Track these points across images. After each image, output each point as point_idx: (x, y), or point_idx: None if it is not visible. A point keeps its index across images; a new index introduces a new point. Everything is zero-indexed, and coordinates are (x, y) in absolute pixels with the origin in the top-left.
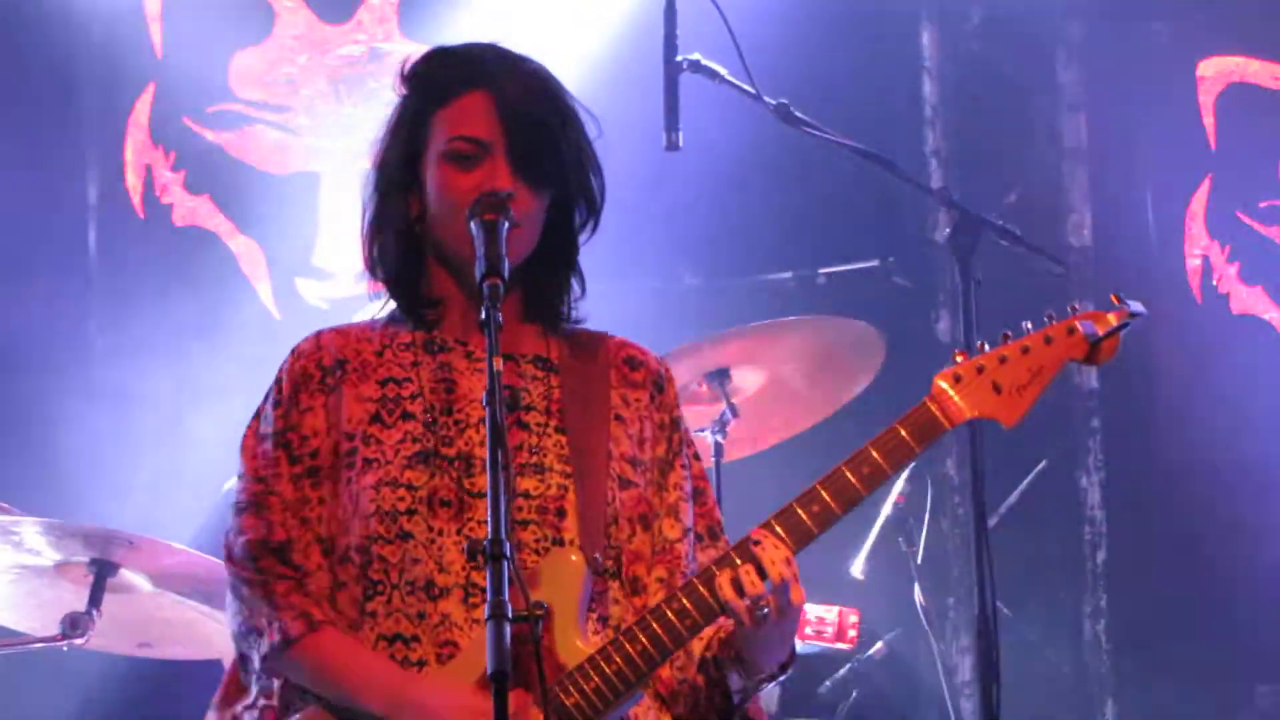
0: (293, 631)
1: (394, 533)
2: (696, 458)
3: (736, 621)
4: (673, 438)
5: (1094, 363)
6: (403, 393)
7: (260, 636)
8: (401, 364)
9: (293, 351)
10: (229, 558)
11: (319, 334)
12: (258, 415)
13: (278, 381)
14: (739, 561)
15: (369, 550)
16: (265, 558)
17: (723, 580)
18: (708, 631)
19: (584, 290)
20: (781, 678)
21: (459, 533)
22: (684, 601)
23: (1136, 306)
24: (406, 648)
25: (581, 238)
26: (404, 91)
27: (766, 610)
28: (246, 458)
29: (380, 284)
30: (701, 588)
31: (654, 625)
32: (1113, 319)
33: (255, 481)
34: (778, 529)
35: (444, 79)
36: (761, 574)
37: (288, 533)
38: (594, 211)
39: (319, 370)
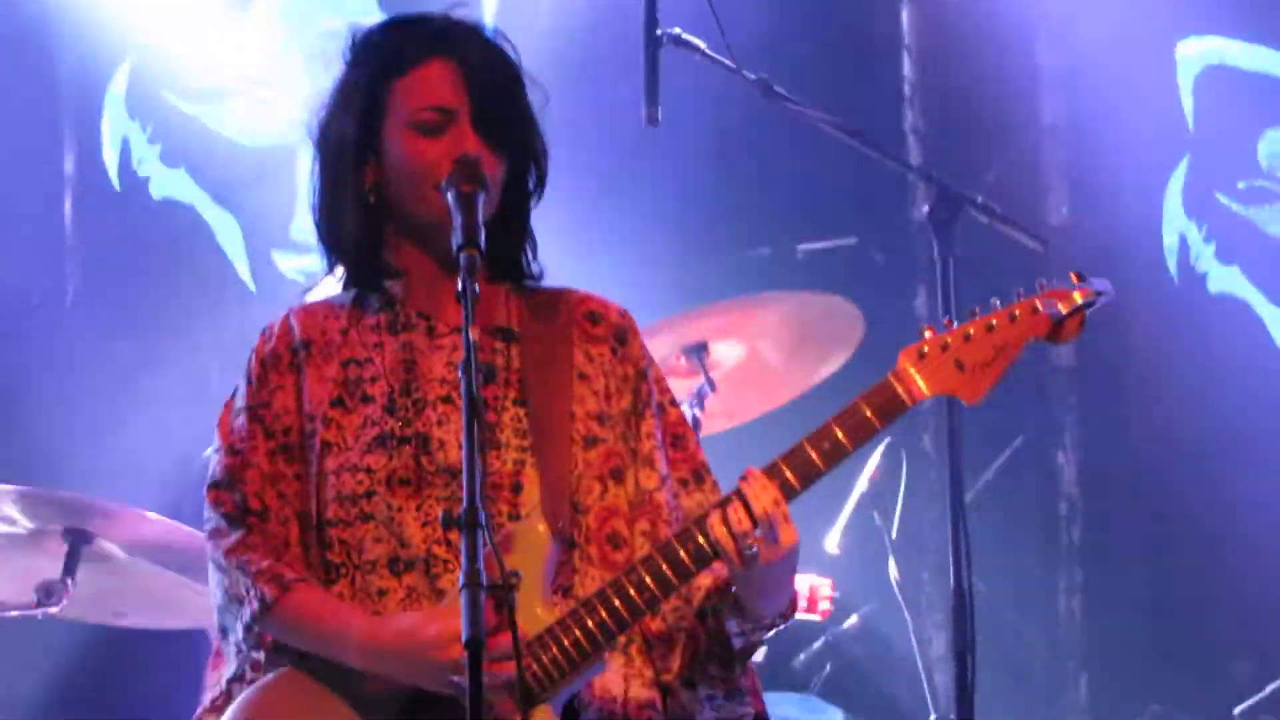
0: (269, 595)
1: (354, 515)
2: (674, 404)
3: (728, 563)
4: (640, 388)
5: (1057, 340)
6: (364, 374)
7: (242, 605)
8: (365, 344)
9: (263, 332)
10: (208, 532)
11: (288, 314)
12: (234, 394)
13: (249, 359)
14: (729, 500)
15: (328, 533)
16: (241, 527)
17: (714, 519)
18: (704, 580)
19: (536, 252)
20: (781, 626)
21: (418, 509)
22: (642, 574)
23: (1100, 284)
24: None
25: (533, 201)
26: (355, 62)
27: (755, 550)
28: (223, 433)
29: (335, 256)
30: (660, 558)
31: (614, 599)
32: (1077, 297)
33: (231, 454)
34: None
35: (402, 48)
36: (750, 513)
37: (263, 502)
38: (542, 174)
39: (288, 351)
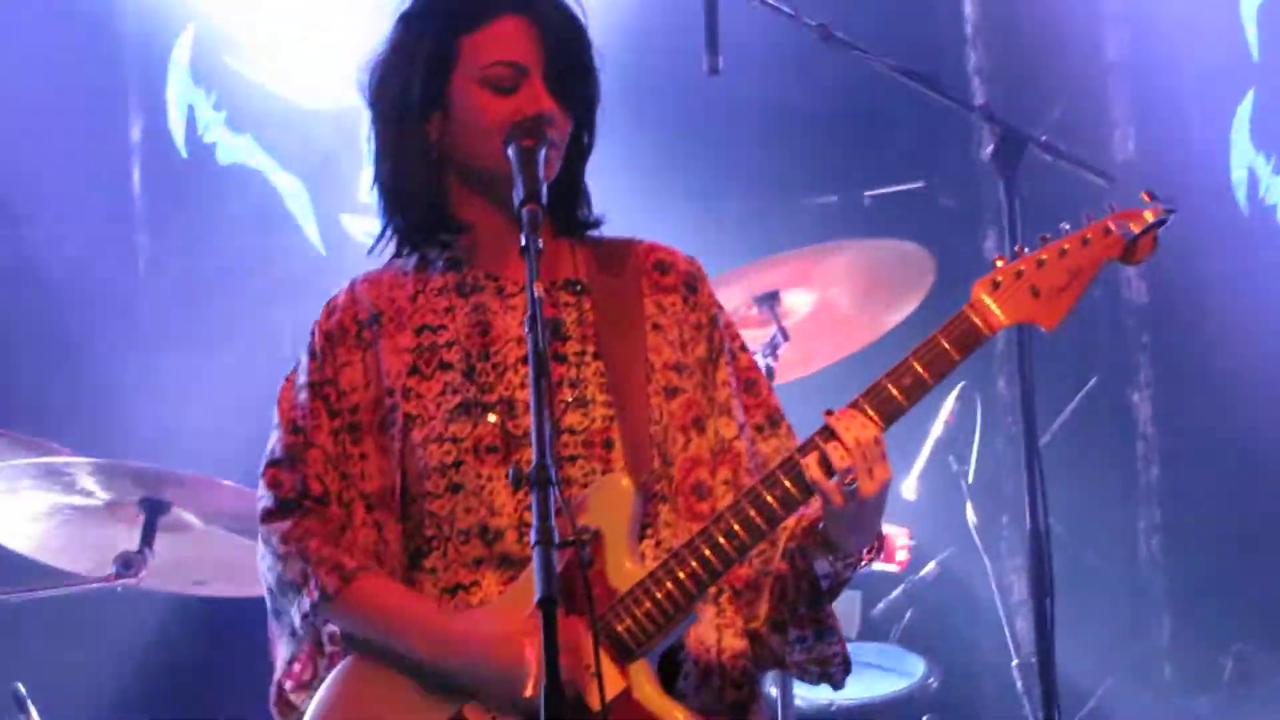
0: (330, 587)
1: (443, 487)
2: (744, 349)
3: (825, 502)
4: (712, 335)
5: (1131, 261)
6: (438, 340)
7: (298, 594)
8: (435, 310)
9: (327, 305)
10: (261, 512)
11: (352, 285)
12: (295, 369)
13: (312, 334)
14: (822, 441)
15: (421, 507)
16: (297, 510)
17: (810, 461)
18: (789, 521)
19: (590, 204)
20: (869, 561)
21: (519, 488)
22: (730, 523)
23: (1169, 204)
24: (468, 594)
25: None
26: (421, 16)
27: (854, 485)
28: (283, 409)
29: (398, 209)
30: (748, 505)
31: (703, 549)
32: (1149, 216)
33: (292, 433)
34: None
35: (473, 2)
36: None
37: (324, 485)
38: (593, 131)
39: (355, 324)
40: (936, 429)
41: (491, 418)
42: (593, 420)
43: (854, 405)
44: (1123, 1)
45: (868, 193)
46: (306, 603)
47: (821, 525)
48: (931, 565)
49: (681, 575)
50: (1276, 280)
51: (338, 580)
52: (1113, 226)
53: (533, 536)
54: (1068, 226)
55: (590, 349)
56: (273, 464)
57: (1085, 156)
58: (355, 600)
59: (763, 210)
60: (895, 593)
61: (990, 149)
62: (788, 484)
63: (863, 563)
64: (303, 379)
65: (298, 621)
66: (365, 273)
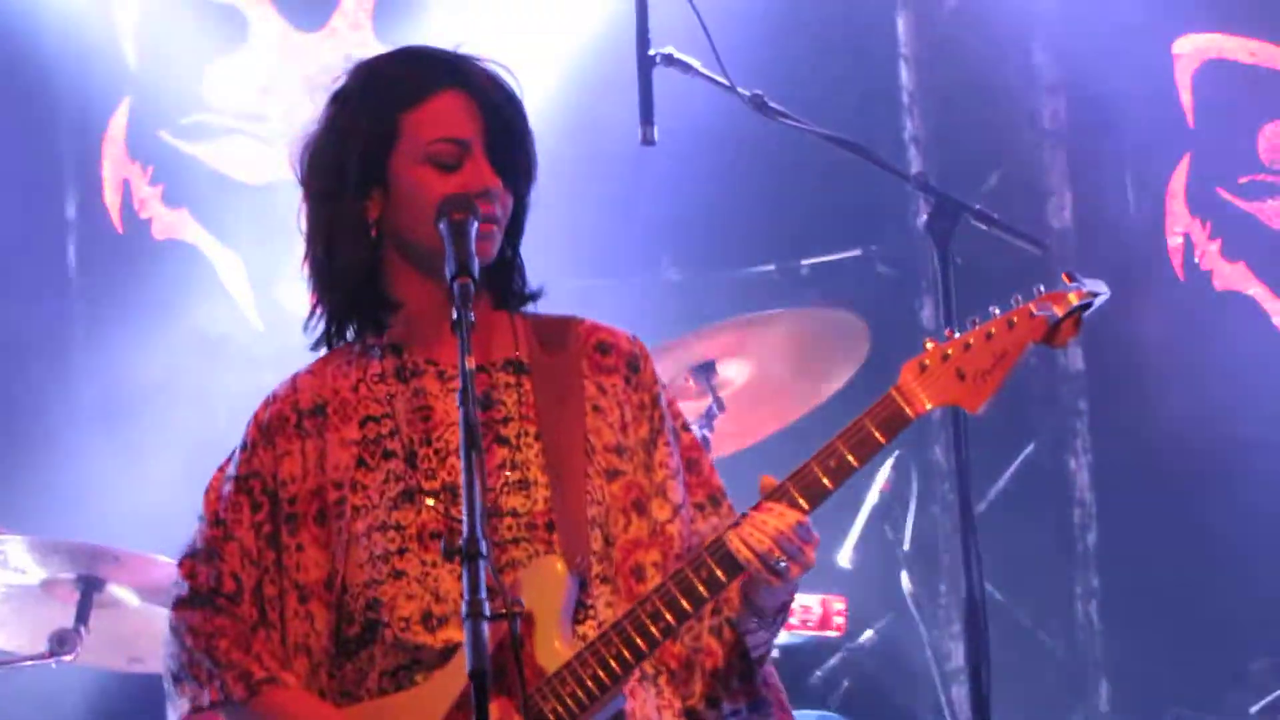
0: (235, 695)
1: (386, 574)
2: (685, 428)
3: (756, 578)
4: (653, 416)
5: (1054, 344)
6: (382, 431)
7: (199, 687)
8: (377, 398)
9: (266, 396)
10: (173, 600)
11: (295, 377)
12: (228, 459)
13: (248, 425)
14: (749, 526)
15: (365, 595)
16: (208, 606)
17: (737, 545)
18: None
19: (524, 275)
20: (783, 618)
21: (452, 560)
22: (657, 605)
23: (1094, 285)
24: (412, 680)
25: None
26: (358, 93)
27: (784, 565)
28: (209, 499)
29: (331, 287)
30: (675, 588)
31: (631, 632)
32: (1073, 298)
33: (214, 525)
34: None
35: (413, 79)
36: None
37: (239, 583)
38: (527, 203)
39: (295, 413)
40: (872, 497)
41: (430, 502)
42: (535, 502)
43: (780, 489)
44: (1058, 69)
45: (805, 261)
46: (207, 699)
47: (746, 594)
48: (869, 633)
49: (609, 657)
50: (1212, 346)
51: (244, 690)
52: (1035, 310)
53: (463, 609)
54: (996, 310)
55: (531, 430)
56: (190, 555)
57: (1021, 224)
58: (260, 712)
59: (701, 279)
60: (833, 660)
61: (925, 217)
62: (714, 567)
63: (785, 616)
64: (231, 470)
65: (187, 709)
66: (309, 365)
